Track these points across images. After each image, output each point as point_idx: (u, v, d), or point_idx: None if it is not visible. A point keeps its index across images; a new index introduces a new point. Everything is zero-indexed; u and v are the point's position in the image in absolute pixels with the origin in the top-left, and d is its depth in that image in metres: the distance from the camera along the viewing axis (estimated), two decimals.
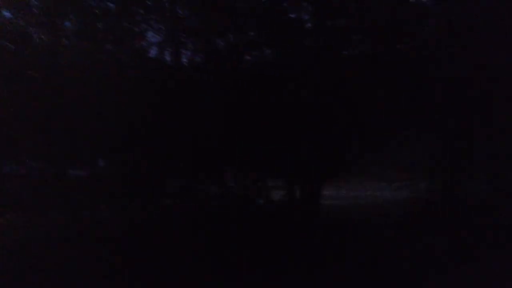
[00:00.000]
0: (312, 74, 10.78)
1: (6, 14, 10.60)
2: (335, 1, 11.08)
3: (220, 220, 11.01)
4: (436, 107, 10.37)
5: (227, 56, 11.74)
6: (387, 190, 12.39)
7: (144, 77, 11.23)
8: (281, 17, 11.30)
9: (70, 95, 10.57)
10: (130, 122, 11.08)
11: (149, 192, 11.59)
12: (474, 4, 10.20)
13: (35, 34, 11.08)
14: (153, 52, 12.15)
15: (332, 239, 9.90)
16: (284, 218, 11.63)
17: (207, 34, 11.61)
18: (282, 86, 11.15)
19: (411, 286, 7.35)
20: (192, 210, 11.61)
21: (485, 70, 9.61)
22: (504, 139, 9.99)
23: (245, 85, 11.41)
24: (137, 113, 11.02)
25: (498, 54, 9.70)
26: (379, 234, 9.92)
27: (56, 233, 10.72)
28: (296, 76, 11.12)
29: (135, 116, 11.04)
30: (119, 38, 11.83)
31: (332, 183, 12.72)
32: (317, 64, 10.80)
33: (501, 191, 10.12)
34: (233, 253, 9.08)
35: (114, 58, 11.74)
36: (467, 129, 10.16)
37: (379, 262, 8.37)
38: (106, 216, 11.44)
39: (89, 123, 10.57)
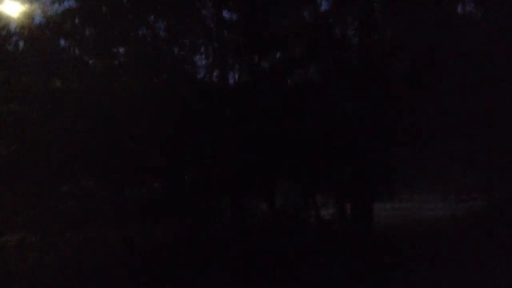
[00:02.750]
0: (359, 90, 10.67)
1: (62, 42, 11.15)
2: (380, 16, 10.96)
3: (270, 238, 10.99)
4: (495, 122, 9.95)
5: (273, 75, 11.84)
6: (443, 205, 12.02)
7: (196, 99, 11.51)
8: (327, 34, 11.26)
9: (125, 118, 11.01)
10: (181, 143, 11.41)
11: (199, 210, 11.78)
12: None
13: (90, 62, 11.63)
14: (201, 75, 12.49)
15: (385, 256, 9.67)
16: (334, 236, 11.46)
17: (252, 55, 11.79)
18: (331, 103, 11.09)
19: None
20: (242, 227, 11.65)
21: None
22: None
23: (295, 103, 11.42)
24: (188, 134, 11.35)
25: None
26: (435, 249, 9.65)
27: (111, 251, 11.12)
28: (345, 93, 11.05)
29: (187, 137, 11.36)
30: (170, 63, 12.22)
31: (385, 198, 12.43)
32: (363, 80, 10.68)
33: None
34: (283, 270, 9.04)
35: (166, 82, 12.12)
36: None
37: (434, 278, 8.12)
38: (159, 234, 11.70)
39: (143, 145, 10.90)
